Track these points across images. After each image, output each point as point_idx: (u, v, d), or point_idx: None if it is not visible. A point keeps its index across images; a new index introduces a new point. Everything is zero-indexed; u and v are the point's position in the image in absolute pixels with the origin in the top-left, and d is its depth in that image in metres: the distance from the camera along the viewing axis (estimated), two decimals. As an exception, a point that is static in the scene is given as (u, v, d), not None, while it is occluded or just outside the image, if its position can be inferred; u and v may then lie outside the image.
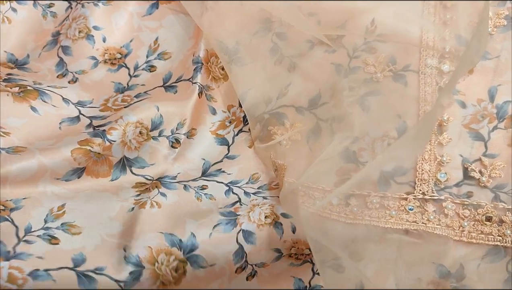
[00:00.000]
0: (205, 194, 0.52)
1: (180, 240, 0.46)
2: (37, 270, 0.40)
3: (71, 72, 0.59)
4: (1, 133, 0.49)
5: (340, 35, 0.56)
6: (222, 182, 0.54)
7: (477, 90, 0.54)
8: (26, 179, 0.47)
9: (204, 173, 0.54)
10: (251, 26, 0.58)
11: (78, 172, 0.49)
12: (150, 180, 0.52)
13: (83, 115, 0.54)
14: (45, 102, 0.52)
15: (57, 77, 0.58)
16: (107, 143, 0.50)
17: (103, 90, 0.58)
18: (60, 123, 0.52)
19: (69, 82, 0.58)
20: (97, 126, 0.52)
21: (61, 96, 0.54)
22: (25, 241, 0.42)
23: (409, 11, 0.57)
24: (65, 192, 0.48)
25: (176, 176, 0.53)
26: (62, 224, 0.45)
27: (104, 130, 0.50)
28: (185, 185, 0.52)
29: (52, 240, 0.43)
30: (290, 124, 0.55)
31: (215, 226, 0.48)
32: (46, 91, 0.54)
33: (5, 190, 0.46)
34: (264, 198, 0.53)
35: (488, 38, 0.54)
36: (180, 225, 0.48)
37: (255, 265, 0.50)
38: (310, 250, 0.50)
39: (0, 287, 0.38)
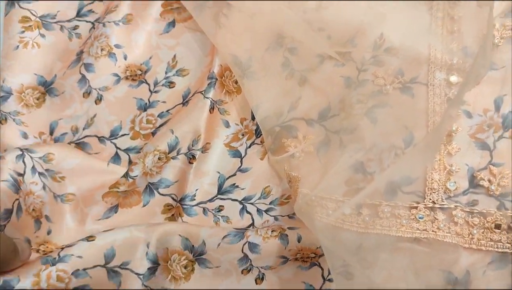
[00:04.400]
0: (222, 216, 0.57)
1: (193, 246, 0.52)
2: (78, 270, 0.47)
3: (95, 89, 0.62)
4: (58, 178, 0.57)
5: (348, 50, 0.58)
6: (236, 199, 0.58)
7: (484, 100, 0.55)
8: (74, 225, 0.56)
9: (220, 189, 0.58)
10: (263, 42, 0.60)
11: (114, 208, 0.57)
12: (175, 200, 0.57)
13: (120, 149, 0.60)
14: (89, 153, 0.60)
15: (83, 96, 0.62)
16: (131, 180, 0.56)
17: (127, 108, 0.62)
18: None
19: (95, 101, 0.61)
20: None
21: (97, 137, 0.61)
22: (68, 246, 0.49)
23: (417, 24, 0.58)
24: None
25: (195, 194, 0.57)
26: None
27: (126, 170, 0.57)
28: (204, 209, 0.57)
29: (89, 238, 0.50)
30: (303, 136, 0.57)
31: (224, 237, 0.53)
32: (86, 141, 0.61)
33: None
34: (275, 219, 0.57)
35: (493, 53, 0.55)
36: (196, 231, 0.53)
37: (262, 268, 0.54)
38: (315, 254, 0.54)
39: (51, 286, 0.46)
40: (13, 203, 0.52)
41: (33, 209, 0.55)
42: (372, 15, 0.58)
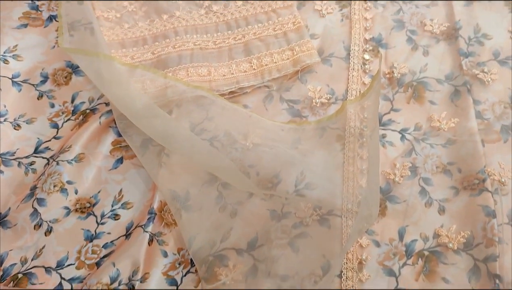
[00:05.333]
0: None
1: None
2: None
3: (46, 221, 0.67)
4: None
5: (274, 184, 0.67)
6: None
7: (389, 231, 0.63)
8: None
9: None
10: (199, 179, 0.68)
11: None
12: None
13: (64, 279, 0.65)
14: (34, 284, 0.64)
15: (34, 228, 0.67)
16: None
17: (75, 239, 0.67)
18: None
19: (45, 233, 0.67)
20: None
21: (44, 268, 0.65)
22: None
23: (332, 162, 0.68)
24: None
25: None
26: None
27: None
28: None
29: None
30: (233, 265, 0.63)
31: None
32: (33, 271, 0.65)
33: None
34: None
35: (396, 188, 0.65)
36: None
37: None
38: None
39: None
40: None
41: None
42: (292, 156, 0.68)
